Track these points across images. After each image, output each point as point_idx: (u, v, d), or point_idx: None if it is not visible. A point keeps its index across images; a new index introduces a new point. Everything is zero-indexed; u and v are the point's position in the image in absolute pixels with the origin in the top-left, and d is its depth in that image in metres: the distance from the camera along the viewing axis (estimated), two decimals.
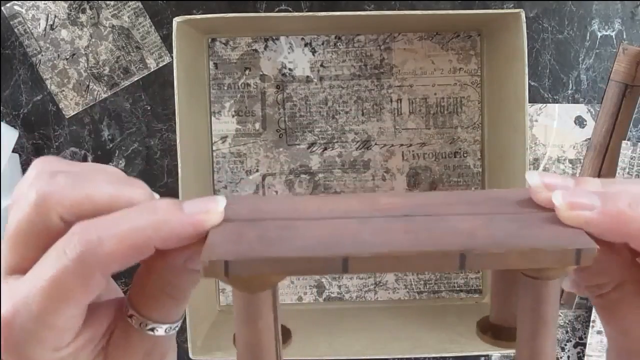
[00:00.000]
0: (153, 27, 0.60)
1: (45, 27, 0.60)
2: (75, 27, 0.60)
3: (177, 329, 0.27)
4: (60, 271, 0.23)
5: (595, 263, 0.24)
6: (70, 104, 0.60)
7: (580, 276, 0.26)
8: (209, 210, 0.24)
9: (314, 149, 0.60)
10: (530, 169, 0.56)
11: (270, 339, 0.24)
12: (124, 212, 0.25)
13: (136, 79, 0.61)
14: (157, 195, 0.27)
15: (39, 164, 0.26)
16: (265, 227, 0.24)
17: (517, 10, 0.49)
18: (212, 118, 0.60)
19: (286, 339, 0.27)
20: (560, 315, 0.61)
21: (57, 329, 0.24)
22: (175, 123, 0.50)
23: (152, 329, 0.26)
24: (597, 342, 0.60)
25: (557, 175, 0.26)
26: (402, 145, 0.60)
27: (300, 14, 0.58)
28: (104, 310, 0.27)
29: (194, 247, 0.25)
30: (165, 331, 0.27)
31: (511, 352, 0.60)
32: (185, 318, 0.50)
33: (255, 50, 0.60)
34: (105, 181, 0.25)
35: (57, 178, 0.25)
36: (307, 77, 0.60)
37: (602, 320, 0.27)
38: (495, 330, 0.28)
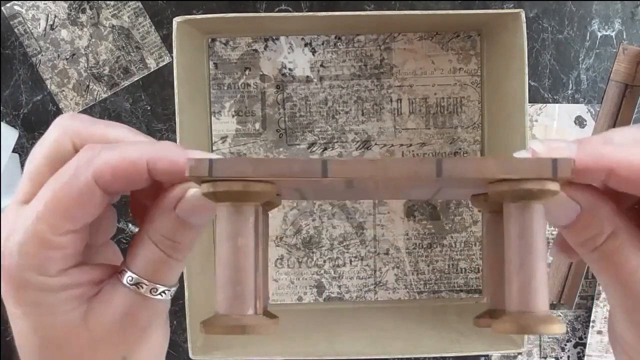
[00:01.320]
0: (153, 27, 0.60)
1: (45, 27, 0.60)
2: (75, 27, 0.60)
3: (165, 295, 0.27)
4: (59, 183, 0.25)
5: (585, 214, 0.25)
6: (70, 104, 0.60)
7: (572, 233, 0.26)
8: (206, 156, 0.25)
9: (314, 149, 0.60)
10: None
11: (248, 260, 0.24)
12: (130, 140, 0.27)
13: (136, 79, 0.61)
14: None
15: (62, 115, 0.28)
16: None
17: (517, 10, 0.49)
18: (212, 118, 0.60)
19: (271, 316, 0.27)
20: (560, 315, 0.61)
21: (48, 244, 0.25)
22: (175, 123, 0.50)
23: (137, 284, 0.26)
24: (597, 342, 0.60)
25: (561, 140, 0.26)
26: (402, 145, 0.60)
27: (300, 14, 0.58)
28: (101, 267, 0.27)
29: (183, 191, 0.25)
30: (151, 292, 0.26)
31: (511, 351, 0.60)
32: (185, 317, 0.50)
33: (255, 50, 0.60)
34: (121, 127, 0.27)
35: (79, 116, 0.27)
36: (307, 77, 0.60)
37: (601, 275, 0.27)
38: (491, 314, 0.28)
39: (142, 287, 0.26)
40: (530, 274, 0.24)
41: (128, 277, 0.26)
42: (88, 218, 0.25)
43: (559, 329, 0.23)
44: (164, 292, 0.27)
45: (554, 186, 0.23)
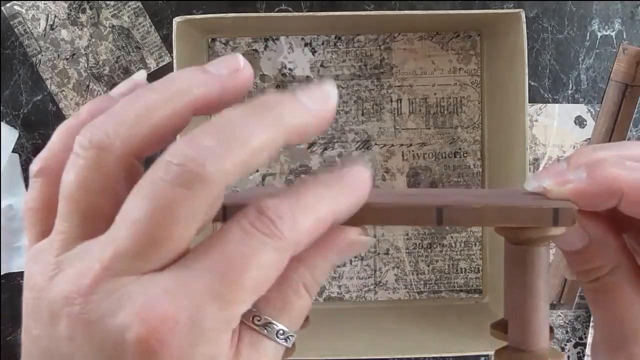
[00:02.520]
0: (153, 27, 0.60)
1: (45, 27, 0.60)
2: (75, 27, 0.60)
3: (288, 338, 0.22)
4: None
5: (591, 245, 0.25)
6: (70, 104, 0.60)
7: (575, 260, 0.26)
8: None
9: (314, 149, 0.60)
10: (530, 169, 0.56)
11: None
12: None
13: None
14: None
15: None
16: None
17: (517, 10, 0.49)
18: (212, 118, 0.60)
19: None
20: (560, 315, 0.61)
21: (232, 325, 0.20)
22: None
23: (287, 338, 0.22)
24: None
25: (549, 167, 0.26)
26: (402, 145, 0.60)
27: (300, 14, 0.58)
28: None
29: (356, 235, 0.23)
30: (290, 341, 0.22)
31: None
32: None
33: (255, 50, 0.60)
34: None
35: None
36: (307, 77, 0.60)
37: (595, 306, 0.27)
38: (506, 325, 0.27)
39: (289, 340, 0.22)
40: (530, 316, 0.24)
41: (279, 331, 0.21)
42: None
43: None
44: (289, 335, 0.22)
45: (557, 231, 0.23)
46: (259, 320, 0.21)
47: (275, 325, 0.21)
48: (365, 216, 0.23)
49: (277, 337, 0.21)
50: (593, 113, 0.60)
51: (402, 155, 0.61)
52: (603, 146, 0.26)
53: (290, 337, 0.22)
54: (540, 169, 0.61)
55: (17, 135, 0.59)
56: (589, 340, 0.60)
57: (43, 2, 0.60)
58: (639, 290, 0.25)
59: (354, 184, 0.22)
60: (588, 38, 0.60)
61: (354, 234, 0.23)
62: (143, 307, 0.19)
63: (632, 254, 0.26)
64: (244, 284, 0.19)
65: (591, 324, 0.60)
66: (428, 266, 0.61)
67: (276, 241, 0.20)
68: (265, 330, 0.21)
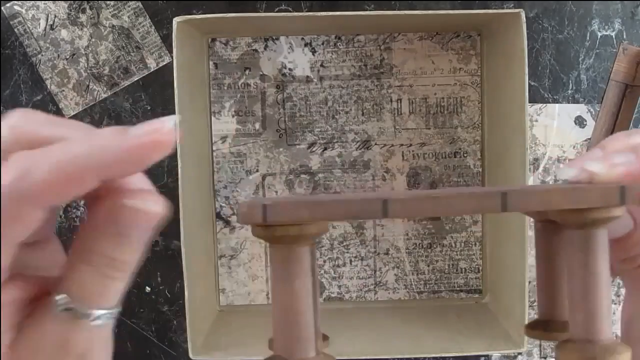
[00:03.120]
0: (153, 27, 0.60)
1: (45, 27, 0.60)
2: (75, 27, 0.60)
3: (103, 320, 0.23)
4: None
5: (637, 231, 0.24)
6: (70, 104, 0.60)
7: (619, 248, 0.26)
8: (157, 129, 0.21)
9: (314, 149, 0.60)
10: (530, 169, 0.56)
11: (308, 302, 0.23)
12: (66, 141, 0.22)
13: (136, 79, 0.61)
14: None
15: (14, 111, 0.24)
16: (304, 196, 0.24)
17: (517, 10, 0.49)
18: (212, 118, 0.60)
19: (324, 339, 0.26)
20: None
21: None
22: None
23: (70, 309, 0.22)
24: None
25: (582, 156, 0.25)
26: (402, 145, 0.60)
27: (300, 14, 0.58)
28: (32, 281, 0.24)
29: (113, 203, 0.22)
30: (89, 318, 0.23)
31: (512, 351, 0.60)
32: (185, 317, 0.50)
33: (255, 50, 0.60)
34: (79, 127, 0.24)
35: (32, 114, 0.23)
36: (307, 77, 0.60)
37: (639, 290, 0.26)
38: (544, 325, 0.27)
39: (75, 314, 0.22)
40: (595, 304, 0.23)
41: (59, 300, 0.22)
42: (22, 236, 0.22)
43: (627, 357, 0.23)
44: (104, 316, 0.23)
45: (619, 211, 0.23)
46: (52, 295, 0.23)
47: (56, 295, 0.22)
48: (426, 206, 0.22)
49: (59, 308, 0.22)
50: (593, 113, 0.60)
51: (402, 155, 0.61)
52: (631, 132, 0.26)
53: (75, 310, 0.22)
54: (541, 169, 0.61)
55: None
56: None
57: (43, 2, 0.60)
58: None
59: (105, 136, 0.22)
60: (588, 38, 0.60)
61: (116, 202, 0.22)
62: None
63: None
64: None
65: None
66: (428, 266, 0.61)
67: (7, 189, 0.21)
68: (53, 297, 0.22)
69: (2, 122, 0.23)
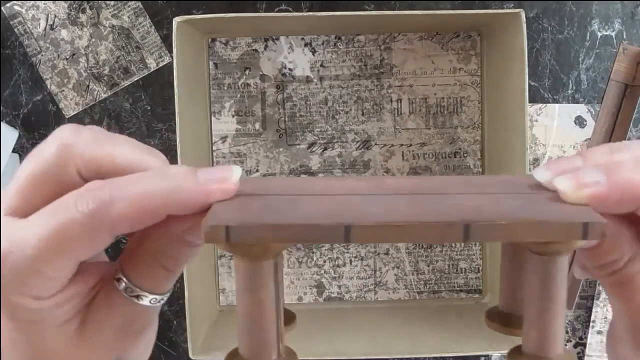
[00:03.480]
0: (153, 27, 0.60)
1: (45, 27, 0.60)
2: (75, 27, 0.60)
3: (162, 302, 0.27)
4: (67, 222, 0.23)
5: (606, 240, 0.24)
6: (70, 104, 0.60)
7: (591, 256, 0.26)
8: (225, 178, 0.24)
9: (314, 149, 0.60)
10: (530, 170, 0.56)
11: (271, 311, 0.24)
12: (140, 175, 0.24)
13: (136, 79, 0.61)
14: None
15: (62, 127, 0.26)
16: (269, 200, 0.24)
17: (517, 10, 0.49)
18: (212, 118, 0.60)
19: (290, 321, 0.27)
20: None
21: (46, 278, 0.24)
22: (175, 123, 0.50)
23: (138, 297, 0.26)
24: (597, 342, 0.60)
25: (562, 159, 0.25)
26: (402, 145, 0.60)
27: (300, 14, 0.58)
28: (92, 270, 0.26)
29: (195, 219, 0.24)
30: (150, 302, 0.26)
31: None
32: (185, 317, 0.50)
33: (255, 50, 0.60)
34: (129, 145, 0.26)
35: (83, 132, 0.25)
36: (307, 77, 0.60)
37: (616, 298, 0.26)
38: (503, 318, 0.28)
39: (141, 299, 0.26)
40: (549, 323, 0.24)
41: (127, 287, 0.25)
42: (88, 256, 0.24)
43: None
44: (161, 299, 0.27)
45: (581, 243, 0.23)
46: (116, 277, 0.26)
47: (122, 280, 0.25)
48: (389, 234, 0.22)
49: (127, 293, 0.25)
50: (593, 113, 0.60)
51: (402, 155, 0.61)
52: (620, 147, 0.26)
53: (140, 296, 0.25)
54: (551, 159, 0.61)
55: (17, 135, 0.59)
56: (589, 340, 0.60)
57: (43, 2, 0.60)
58: None
59: (181, 178, 0.24)
60: (588, 38, 0.60)
61: (193, 220, 0.24)
62: None
63: None
64: (52, 244, 0.23)
65: (591, 324, 0.60)
66: (428, 266, 0.61)
67: (85, 217, 0.23)
68: (117, 283, 0.26)
69: (52, 138, 0.25)
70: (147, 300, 0.26)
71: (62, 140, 0.25)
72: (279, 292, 0.24)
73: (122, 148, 0.25)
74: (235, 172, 0.25)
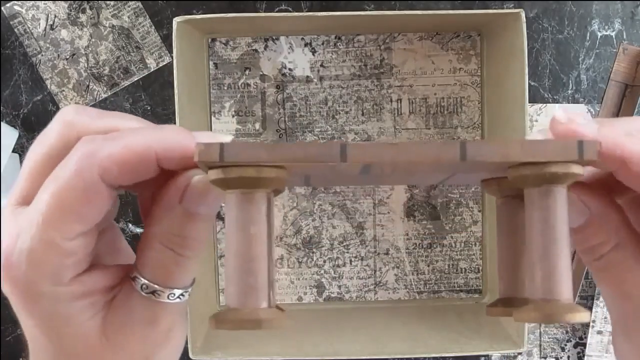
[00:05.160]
0: (153, 27, 0.60)
1: (45, 27, 0.60)
2: (75, 27, 0.60)
3: (182, 298, 0.26)
4: (62, 180, 0.23)
5: (593, 220, 0.24)
6: (70, 104, 0.60)
7: (579, 238, 0.26)
8: (215, 137, 0.24)
9: None
10: None
11: (262, 249, 0.23)
12: (133, 128, 0.25)
13: (136, 79, 0.61)
14: None
15: (65, 107, 0.26)
16: None
17: (517, 10, 0.49)
18: (212, 118, 0.60)
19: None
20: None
21: (58, 251, 0.23)
22: (175, 123, 0.50)
23: (154, 293, 0.25)
24: (597, 342, 0.60)
25: (582, 115, 0.25)
26: None
27: (300, 14, 0.58)
28: (112, 270, 0.26)
29: (187, 180, 0.24)
30: (169, 297, 0.25)
31: (511, 352, 0.60)
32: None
33: (255, 50, 0.60)
34: (130, 118, 0.26)
35: (85, 109, 0.25)
36: (307, 77, 0.60)
37: (602, 284, 0.26)
38: (505, 302, 0.27)
39: (159, 295, 0.25)
40: (554, 261, 0.23)
41: (142, 285, 0.25)
42: (97, 217, 0.24)
43: (585, 316, 0.22)
44: (181, 294, 0.26)
45: (577, 169, 0.23)
46: (133, 276, 0.25)
47: (138, 279, 0.25)
48: (384, 152, 0.22)
49: (142, 291, 0.25)
50: (593, 113, 0.60)
51: None
52: (620, 119, 0.26)
53: (157, 292, 0.25)
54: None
55: (17, 135, 0.59)
56: (589, 340, 0.60)
57: (43, 2, 0.60)
58: None
59: (172, 128, 0.24)
60: (588, 38, 0.60)
61: (182, 180, 0.24)
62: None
63: (636, 231, 0.26)
64: (54, 202, 0.23)
65: (591, 324, 0.60)
66: (428, 266, 0.61)
67: (76, 164, 0.23)
68: (134, 282, 0.25)
69: (56, 117, 0.25)
70: (165, 295, 0.25)
71: (65, 117, 0.25)
72: (271, 233, 0.23)
73: (125, 121, 0.25)
74: (226, 136, 0.25)
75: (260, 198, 0.23)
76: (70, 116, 0.25)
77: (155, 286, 0.25)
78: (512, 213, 0.26)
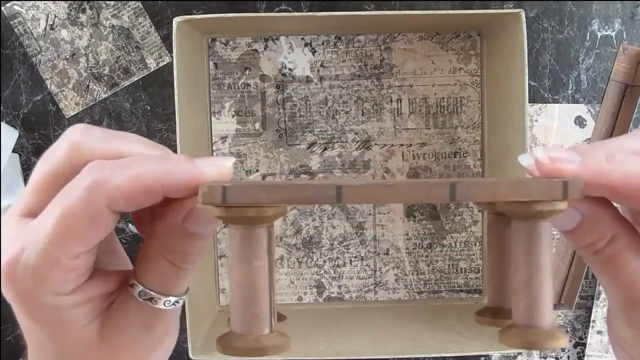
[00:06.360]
0: (153, 27, 0.60)
1: (45, 27, 0.60)
2: (75, 27, 0.60)
3: (177, 305, 0.27)
4: (71, 203, 0.24)
5: (585, 221, 0.25)
6: (70, 104, 0.60)
7: (573, 238, 0.27)
8: (218, 164, 0.25)
9: (314, 149, 0.60)
10: None
11: (264, 280, 0.24)
12: (139, 156, 0.26)
13: (136, 79, 0.61)
14: None
15: (73, 126, 0.27)
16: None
17: (517, 10, 0.49)
18: (212, 118, 0.60)
19: (281, 319, 0.27)
20: (560, 315, 0.61)
21: (62, 269, 0.24)
22: (175, 123, 0.50)
23: (152, 299, 0.26)
24: (597, 342, 0.60)
25: (562, 148, 0.26)
26: (402, 145, 0.60)
27: (300, 14, 0.58)
28: (111, 277, 0.27)
29: (192, 203, 0.25)
30: (165, 304, 0.27)
31: (511, 352, 0.60)
32: (185, 317, 0.50)
33: (255, 50, 0.60)
34: (136, 141, 0.27)
35: (92, 130, 0.26)
36: (307, 77, 0.60)
37: (602, 277, 0.27)
38: (493, 312, 0.28)
39: (156, 302, 0.26)
40: (537, 291, 0.24)
41: (140, 291, 0.26)
42: (100, 238, 0.25)
43: (564, 343, 0.24)
44: (176, 302, 0.27)
45: (562, 205, 0.24)
46: (130, 283, 0.27)
47: (136, 286, 0.26)
48: (378, 193, 0.23)
49: (141, 297, 0.26)
50: (593, 113, 0.60)
51: (402, 155, 0.61)
52: (603, 141, 0.27)
53: (154, 299, 0.26)
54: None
55: (17, 135, 0.59)
56: (589, 340, 0.60)
57: (43, 2, 0.60)
58: None
59: (178, 160, 0.25)
60: (588, 38, 0.60)
61: (188, 204, 0.25)
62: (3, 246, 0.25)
63: (629, 222, 0.27)
64: (61, 225, 0.24)
65: (591, 324, 0.60)
66: (428, 266, 0.61)
67: (85, 191, 0.24)
68: (132, 289, 0.26)
69: (63, 138, 0.26)
70: (161, 302, 0.26)
71: (72, 138, 0.26)
72: (272, 264, 0.25)
73: (130, 144, 0.26)
74: (229, 161, 0.26)
75: (261, 233, 0.24)
76: (78, 137, 0.26)
77: (153, 293, 0.26)
78: (501, 229, 0.28)
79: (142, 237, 0.29)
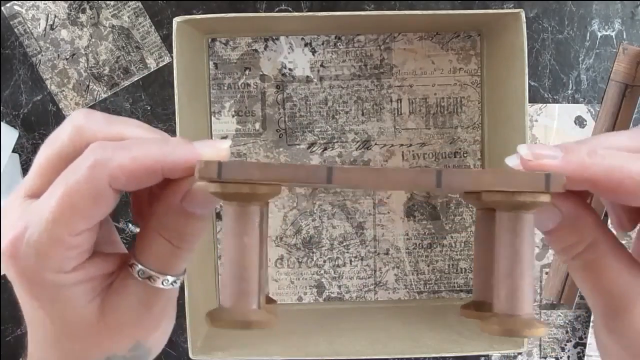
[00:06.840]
0: (153, 27, 0.60)
1: (45, 27, 0.60)
2: (75, 27, 0.60)
3: (175, 284, 0.28)
4: (73, 183, 0.25)
5: (565, 222, 0.26)
6: (70, 104, 0.60)
7: (553, 239, 0.27)
8: (215, 146, 0.27)
9: (314, 149, 0.60)
10: None
11: (254, 257, 0.25)
12: (140, 138, 0.27)
13: (136, 79, 0.61)
14: None
15: (76, 111, 0.28)
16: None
17: (517, 10, 0.49)
18: (212, 118, 0.60)
19: (270, 302, 0.28)
20: (560, 315, 0.61)
21: (64, 246, 0.25)
22: (175, 123, 0.50)
23: (150, 278, 0.27)
24: None
25: (546, 145, 0.27)
26: (402, 145, 0.60)
27: (300, 14, 0.58)
28: (110, 258, 0.28)
29: (189, 184, 0.26)
30: (163, 283, 0.27)
31: (511, 352, 0.60)
32: (185, 317, 0.50)
33: (255, 50, 0.60)
34: (136, 125, 0.28)
35: (94, 114, 0.27)
36: (307, 77, 0.60)
37: (582, 284, 0.27)
38: (477, 305, 0.29)
39: (154, 280, 0.27)
40: (518, 281, 0.25)
41: (139, 270, 0.27)
42: (102, 216, 0.26)
43: (542, 332, 0.25)
44: (174, 281, 0.28)
45: (545, 198, 0.25)
46: (129, 263, 0.27)
47: (135, 265, 0.27)
48: (368, 177, 0.24)
49: (140, 276, 0.27)
50: (593, 113, 0.60)
51: (402, 155, 0.61)
52: (586, 139, 0.28)
53: (153, 277, 0.27)
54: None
55: (17, 135, 0.59)
56: (589, 340, 0.60)
57: (43, 2, 0.60)
58: (620, 263, 0.26)
59: (177, 142, 0.26)
60: (588, 38, 0.60)
61: (186, 185, 0.26)
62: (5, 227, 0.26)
63: (610, 230, 0.27)
64: (65, 202, 0.25)
65: (591, 324, 0.60)
66: (428, 266, 0.61)
67: (88, 169, 0.25)
68: (131, 268, 0.27)
69: (66, 122, 0.27)
70: (159, 281, 0.27)
71: (75, 122, 0.27)
72: (263, 242, 0.26)
73: (130, 128, 0.27)
74: (226, 142, 0.27)
75: (254, 211, 0.25)
76: (81, 121, 0.27)
77: (152, 272, 0.27)
78: (488, 225, 0.28)
79: (139, 225, 0.29)
